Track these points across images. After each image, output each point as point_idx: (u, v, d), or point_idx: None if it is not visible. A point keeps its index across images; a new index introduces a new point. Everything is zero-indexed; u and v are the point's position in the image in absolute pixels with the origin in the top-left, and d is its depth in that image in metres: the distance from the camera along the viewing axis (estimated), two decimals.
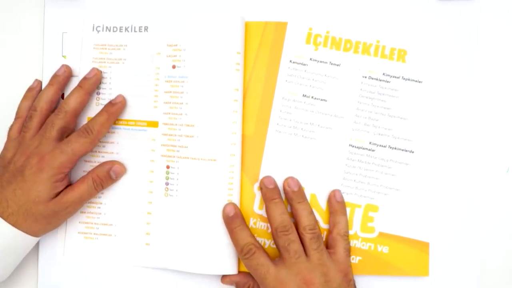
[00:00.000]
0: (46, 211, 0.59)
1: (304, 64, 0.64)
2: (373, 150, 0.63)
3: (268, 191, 0.61)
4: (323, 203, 0.63)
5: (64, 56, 0.66)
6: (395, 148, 0.63)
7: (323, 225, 0.63)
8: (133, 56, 0.66)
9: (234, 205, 0.62)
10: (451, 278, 0.63)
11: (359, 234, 0.63)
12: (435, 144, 0.63)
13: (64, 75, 0.64)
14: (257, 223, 0.64)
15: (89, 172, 0.63)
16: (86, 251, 0.66)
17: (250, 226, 0.63)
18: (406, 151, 0.63)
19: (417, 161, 0.63)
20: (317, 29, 0.64)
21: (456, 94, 0.64)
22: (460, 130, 0.64)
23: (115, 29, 0.66)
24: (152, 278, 0.65)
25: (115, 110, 0.63)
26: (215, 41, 0.63)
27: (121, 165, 0.65)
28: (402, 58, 0.64)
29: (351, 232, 0.63)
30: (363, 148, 0.64)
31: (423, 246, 0.63)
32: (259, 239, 0.63)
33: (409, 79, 0.64)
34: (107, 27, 0.66)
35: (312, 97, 0.64)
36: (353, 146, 0.64)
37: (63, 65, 0.65)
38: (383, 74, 0.64)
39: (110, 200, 0.66)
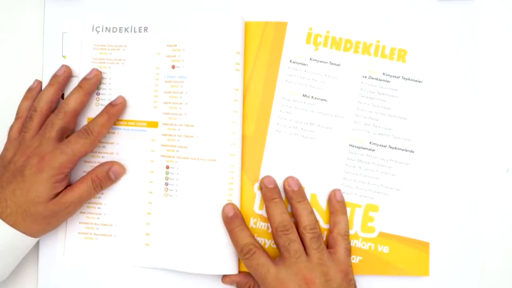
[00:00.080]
0: (46, 212, 0.59)
1: (304, 64, 0.64)
2: (373, 150, 0.63)
3: (268, 190, 0.61)
4: (323, 203, 0.63)
5: (64, 56, 0.66)
6: (395, 148, 0.63)
7: (324, 225, 0.63)
8: (133, 57, 0.66)
9: (233, 205, 0.62)
10: (452, 278, 0.63)
11: (360, 234, 0.63)
12: (435, 144, 0.63)
13: (64, 75, 0.64)
14: (258, 223, 0.64)
15: (88, 173, 0.63)
16: (86, 252, 0.66)
17: (250, 226, 0.63)
18: (406, 151, 0.63)
19: (417, 161, 0.63)
20: (317, 29, 0.64)
21: (456, 94, 0.64)
22: (460, 130, 0.64)
23: (114, 29, 0.66)
24: (152, 278, 0.65)
25: (115, 111, 0.63)
26: (214, 41, 0.63)
27: (121, 165, 0.65)
28: (402, 58, 0.64)
29: (351, 232, 0.63)
30: (363, 148, 0.64)
31: (423, 246, 0.63)
32: (260, 239, 0.63)
33: (409, 79, 0.64)
34: (106, 28, 0.66)
35: (312, 97, 0.64)
36: (353, 146, 0.64)
37: (63, 65, 0.65)
38: (383, 74, 0.64)
39: (110, 200, 0.66)
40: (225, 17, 0.63)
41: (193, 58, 0.63)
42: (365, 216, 0.63)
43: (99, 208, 0.66)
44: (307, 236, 0.59)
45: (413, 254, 0.63)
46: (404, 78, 0.64)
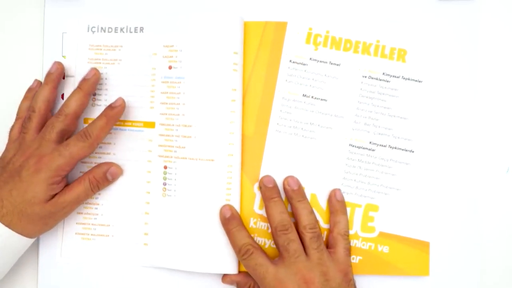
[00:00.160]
0: (43, 212, 0.59)
1: (304, 64, 0.64)
2: (373, 150, 0.63)
3: (268, 190, 0.62)
4: (323, 203, 0.63)
5: (64, 56, 0.66)
6: (395, 148, 0.63)
7: (324, 224, 0.63)
8: (129, 57, 0.66)
9: (231, 206, 0.62)
10: (452, 277, 0.63)
11: (360, 234, 0.63)
12: (435, 143, 0.63)
13: (57, 72, 0.64)
14: (258, 223, 0.64)
15: (86, 173, 0.63)
16: (84, 252, 0.66)
17: (250, 226, 0.63)
18: (406, 150, 0.63)
19: (417, 161, 0.63)
20: (317, 29, 0.64)
21: (456, 94, 0.64)
22: (460, 130, 0.64)
23: (110, 29, 0.66)
24: (152, 278, 0.65)
25: (114, 114, 0.62)
26: (212, 41, 0.63)
27: (118, 167, 0.65)
28: (402, 57, 0.64)
29: (351, 232, 0.63)
30: (363, 148, 0.64)
31: (424, 246, 0.63)
32: (260, 239, 0.63)
33: (409, 79, 0.64)
34: (102, 28, 0.66)
35: (312, 97, 0.64)
36: (353, 146, 0.64)
37: (55, 63, 0.64)
38: (383, 73, 0.64)
39: (107, 201, 0.66)
40: (223, 17, 0.63)
41: (190, 58, 0.63)
42: (365, 216, 0.63)
43: (96, 208, 0.66)
44: (307, 236, 0.59)
45: (413, 254, 0.63)
46: (404, 78, 0.64)
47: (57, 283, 0.65)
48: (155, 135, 0.65)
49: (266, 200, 0.61)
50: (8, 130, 0.65)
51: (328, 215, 0.63)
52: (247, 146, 0.64)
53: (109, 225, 0.65)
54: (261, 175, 0.64)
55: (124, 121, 0.65)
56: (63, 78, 0.66)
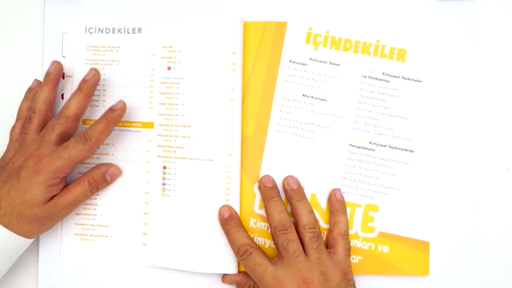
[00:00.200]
0: (41, 214, 0.59)
1: (304, 64, 0.64)
2: (373, 150, 0.63)
3: (267, 189, 0.62)
4: (323, 203, 0.63)
5: (63, 56, 0.66)
6: (395, 148, 0.63)
7: (323, 224, 0.63)
8: (127, 58, 0.66)
9: (229, 207, 0.62)
10: (452, 277, 0.63)
11: (360, 234, 0.63)
12: (435, 143, 0.63)
13: (55, 72, 0.64)
14: (258, 223, 0.64)
15: (84, 174, 0.63)
16: (83, 253, 0.66)
17: (250, 226, 0.63)
18: (406, 150, 0.63)
19: (417, 161, 0.63)
20: (317, 29, 0.64)
21: (456, 94, 0.64)
22: (460, 130, 0.64)
23: (107, 30, 0.66)
24: (152, 278, 0.65)
25: (114, 117, 0.62)
26: (210, 42, 0.63)
27: (117, 168, 0.65)
28: (402, 57, 0.64)
29: (351, 232, 0.63)
30: (363, 148, 0.64)
31: (424, 246, 0.63)
32: (260, 239, 0.63)
33: (409, 79, 0.64)
34: (99, 29, 0.66)
35: (312, 96, 0.64)
36: (353, 146, 0.64)
37: (53, 62, 0.64)
38: (383, 73, 0.64)
39: (106, 201, 0.66)
40: (221, 18, 0.63)
41: (189, 59, 0.63)
42: (365, 216, 0.63)
43: (95, 209, 0.66)
44: (307, 236, 0.59)
45: (413, 254, 0.62)
46: (404, 78, 0.64)
47: (57, 283, 0.65)
48: (154, 135, 0.65)
49: (265, 200, 0.61)
50: (8, 129, 0.65)
51: (328, 215, 0.63)
52: (247, 146, 0.64)
53: (107, 226, 0.65)
54: (261, 175, 0.64)
55: (123, 121, 0.65)
56: (63, 78, 0.66)
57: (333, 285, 0.57)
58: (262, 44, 0.64)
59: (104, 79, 0.66)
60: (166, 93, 0.64)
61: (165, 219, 0.64)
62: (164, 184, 0.64)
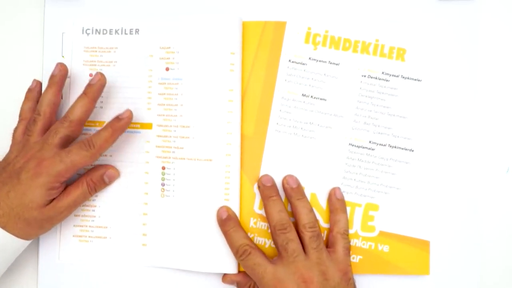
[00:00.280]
0: (40, 216, 0.59)
1: (303, 64, 0.64)
2: (373, 149, 0.63)
3: (266, 189, 0.62)
4: (323, 202, 0.63)
5: (63, 57, 0.66)
6: (395, 147, 0.63)
7: (324, 224, 0.63)
8: (124, 59, 0.66)
9: (227, 207, 0.62)
10: (452, 276, 0.63)
11: (360, 233, 0.63)
12: (435, 142, 0.63)
13: (60, 74, 0.63)
14: (258, 223, 0.63)
15: (83, 176, 0.63)
16: (82, 255, 0.65)
17: (250, 226, 0.63)
18: (406, 149, 0.63)
19: (417, 160, 0.63)
20: (316, 29, 0.64)
21: (456, 93, 0.64)
22: (460, 129, 0.64)
23: (105, 31, 0.66)
24: (152, 279, 0.65)
25: (120, 126, 0.61)
26: (208, 42, 0.63)
27: (115, 169, 0.65)
28: (401, 57, 0.64)
29: (351, 231, 0.63)
30: (363, 147, 0.64)
31: (424, 245, 0.62)
32: (260, 239, 0.63)
33: (408, 78, 0.64)
34: (96, 30, 0.66)
35: (312, 96, 0.64)
36: (353, 145, 0.64)
37: (57, 64, 0.64)
38: (383, 73, 0.64)
39: (104, 202, 0.65)
40: (219, 18, 0.63)
41: (187, 60, 0.64)
42: (365, 215, 0.63)
43: (94, 210, 0.65)
44: (306, 235, 0.59)
45: (413, 253, 0.62)
46: (403, 77, 0.64)
47: (57, 285, 0.65)
48: (153, 136, 0.65)
49: (264, 199, 0.61)
50: (8, 129, 0.65)
51: (328, 214, 0.63)
52: (247, 146, 0.64)
53: (106, 227, 0.65)
54: (261, 175, 0.63)
55: None
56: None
57: (333, 284, 0.57)
58: (262, 44, 0.64)
59: None
60: (164, 94, 0.64)
61: (164, 220, 0.64)
62: (163, 184, 0.64)
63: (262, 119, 0.64)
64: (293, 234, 0.59)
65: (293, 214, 0.61)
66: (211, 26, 0.63)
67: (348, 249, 0.61)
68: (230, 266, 0.62)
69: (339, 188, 0.63)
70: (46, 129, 0.62)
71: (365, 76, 0.64)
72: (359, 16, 0.65)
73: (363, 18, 0.65)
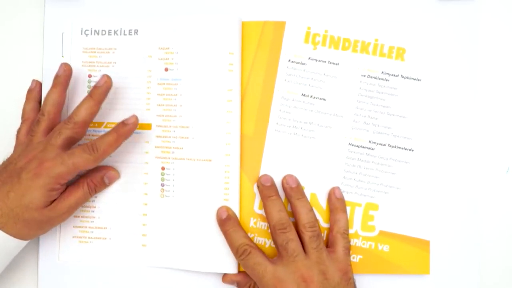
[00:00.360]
0: (40, 217, 0.58)
1: (303, 64, 0.64)
2: (372, 149, 0.63)
3: (265, 188, 0.61)
4: (323, 202, 0.63)
5: (63, 57, 0.66)
6: (395, 147, 0.63)
7: (324, 224, 0.63)
8: (123, 59, 0.66)
9: (227, 207, 0.62)
10: (452, 276, 0.63)
11: (360, 233, 0.63)
12: (435, 142, 0.63)
13: (64, 74, 0.63)
14: (258, 222, 0.63)
15: (83, 177, 0.63)
16: (82, 256, 0.65)
17: (250, 226, 0.63)
18: (405, 149, 0.63)
19: (417, 159, 0.63)
20: (316, 28, 0.65)
21: (456, 93, 0.64)
22: (460, 129, 0.64)
23: (103, 32, 0.66)
24: (152, 279, 0.64)
25: (125, 131, 0.61)
26: (207, 42, 0.63)
27: (115, 171, 0.65)
28: (401, 56, 0.64)
29: (351, 231, 0.63)
30: (363, 147, 0.64)
31: (424, 245, 0.62)
32: (260, 239, 0.63)
33: (408, 78, 0.64)
34: (95, 31, 0.66)
35: (311, 96, 0.64)
36: (352, 145, 0.64)
37: (62, 64, 0.64)
38: (382, 72, 0.64)
39: (104, 203, 0.65)
40: (218, 18, 0.64)
41: (186, 60, 0.64)
42: (365, 215, 0.63)
43: (93, 211, 0.65)
44: (306, 235, 0.59)
45: (413, 252, 0.62)
46: (403, 77, 0.64)
47: (57, 285, 0.65)
48: (152, 136, 0.65)
49: (264, 199, 0.61)
50: (7, 129, 0.65)
51: (328, 214, 0.63)
52: (247, 146, 0.64)
53: (106, 228, 0.65)
54: (261, 174, 0.63)
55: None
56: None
57: (333, 284, 0.57)
58: (261, 43, 0.65)
59: None
60: (163, 94, 0.64)
61: (164, 220, 0.64)
62: (163, 185, 0.64)
63: (262, 119, 0.64)
64: (293, 234, 0.59)
65: (293, 213, 0.61)
66: (210, 26, 0.63)
67: (348, 248, 0.60)
68: (230, 266, 0.62)
69: (338, 188, 0.63)
70: (50, 129, 0.61)
71: (364, 75, 0.64)
72: (358, 15, 0.65)
73: (363, 18, 0.65)
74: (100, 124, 0.65)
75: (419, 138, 0.63)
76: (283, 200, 0.63)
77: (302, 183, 0.63)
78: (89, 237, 0.65)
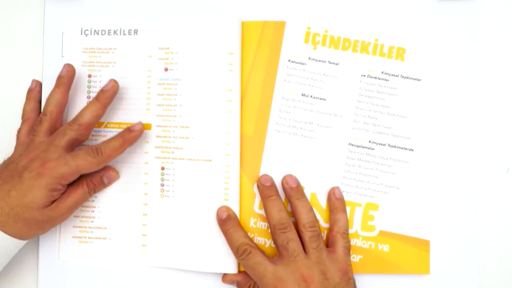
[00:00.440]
0: (41, 217, 0.58)
1: (302, 63, 0.64)
2: (372, 149, 0.63)
3: (265, 188, 0.61)
4: (323, 202, 0.63)
5: (63, 56, 0.66)
6: (395, 147, 0.63)
7: (324, 224, 0.63)
8: (123, 59, 0.66)
9: (227, 207, 0.62)
10: (452, 276, 0.63)
11: (360, 233, 0.63)
12: (435, 142, 0.63)
13: (68, 75, 0.63)
14: (258, 222, 0.63)
15: (82, 177, 0.62)
16: (82, 256, 0.65)
17: (250, 226, 0.63)
18: (405, 149, 0.63)
19: (417, 159, 0.63)
20: (316, 28, 0.65)
21: (455, 93, 0.64)
22: (460, 129, 0.64)
23: (103, 32, 0.66)
24: (152, 279, 0.64)
25: (131, 137, 0.62)
26: (207, 42, 0.63)
27: (115, 171, 0.65)
28: (400, 56, 0.64)
29: (351, 231, 0.63)
30: (363, 147, 0.64)
31: (424, 244, 0.62)
32: (260, 239, 0.63)
33: (408, 77, 0.64)
34: (95, 31, 0.66)
35: (311, 96, 0.64)
36: (352, 145, 0.64)
37: (65, 65, 0.64)
38: (382, 72, 0.64)
39: (104, 203, 0.65)
40: (218, 18, 0.64)
41: (186, 60, 0.64)
42: (365, 215, 0.63)
43: (93, 211, 0.65)
44: (307, 235, 0.59)
45: (413, 252, 0.62)
46: (403, 77, 0.64)
47: (57, 285, 0.65)
48: (152, 136, 0.65)
49: (264, 199, 0.61)
50: (7, 128, 0.65)
51: (328, 214, 0.63)
52: (247, 146, 0.64)
53: (106, 228, 0.65)
54: (261, 174, 0.63)
55: (120, 123, 0.65)
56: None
57: (333, 283, 0.57)
58: (261, 43, 0.65)
59: (100, 81, 0.66)
60: (163, 94, 0.64)
61: (164, 220, 0.64)
62: (162, 185, 0.64)
63: (262, 119, 0.64)
64: (293, 234, 0.59)
65: (293, 213, 0.61)
66: (210, 26, 0.63)
67: (348, 248, 0.60)
68: (230, 266, 0.62)
69: (338, 188, 0.63)
70: (52, 129, 0.62)
71: (364, 75, 0.64)
72: (358, 15, 0.65)
73: (363, 18, 0.65)
74: (100, 124, 0.65)
75: (419, 138, 0.63)
76: (283, 200, 0.63)
77: (302, 183, 0.63)
78: (89, 237, 0.65)
